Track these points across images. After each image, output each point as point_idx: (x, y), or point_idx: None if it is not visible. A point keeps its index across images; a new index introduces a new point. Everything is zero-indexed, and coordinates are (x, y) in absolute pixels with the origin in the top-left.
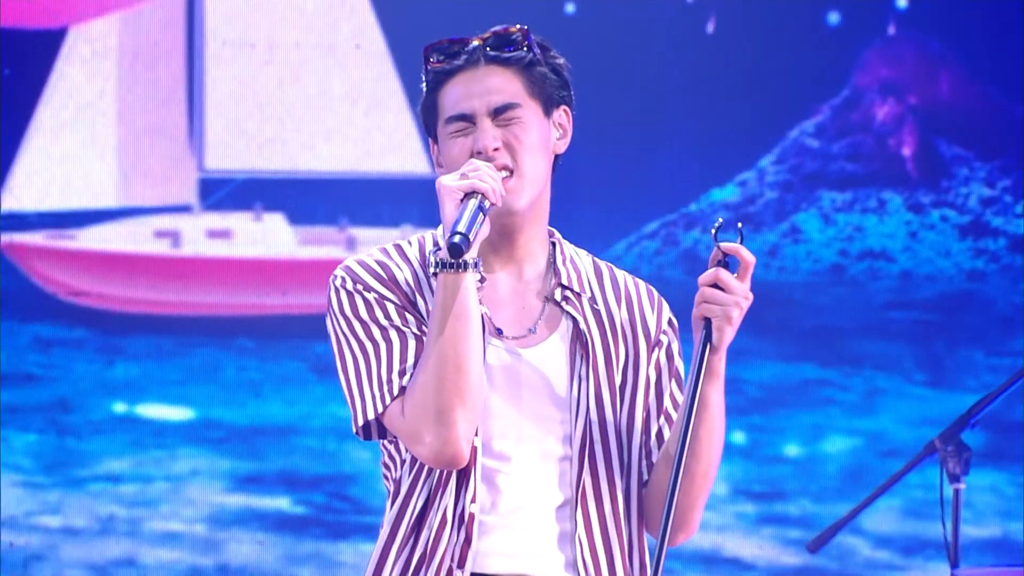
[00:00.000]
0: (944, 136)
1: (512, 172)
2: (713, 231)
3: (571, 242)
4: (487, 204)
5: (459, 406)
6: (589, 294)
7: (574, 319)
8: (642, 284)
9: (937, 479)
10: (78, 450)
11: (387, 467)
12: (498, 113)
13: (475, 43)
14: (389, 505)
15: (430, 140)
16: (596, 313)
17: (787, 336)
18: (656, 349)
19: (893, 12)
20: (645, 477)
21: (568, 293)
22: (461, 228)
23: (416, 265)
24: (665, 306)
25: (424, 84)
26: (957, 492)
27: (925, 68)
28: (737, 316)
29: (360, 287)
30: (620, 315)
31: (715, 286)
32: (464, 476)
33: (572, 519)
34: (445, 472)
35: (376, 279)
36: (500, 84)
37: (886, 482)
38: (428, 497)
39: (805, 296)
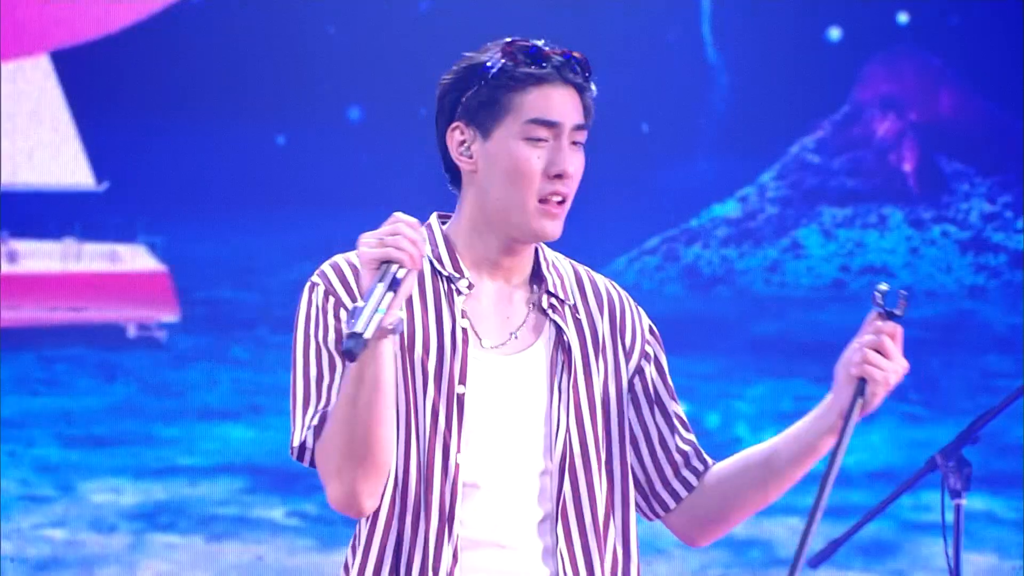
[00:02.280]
0: (945, 152)
1: (563, 200)
2: (878, 295)
3: (572, 258)
4: (401, 274)
5: (359, 468)
6: (572, 302)
7: (558, 327)
8: (621, 291)
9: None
10: None
11: None
12: (576, 131)
13: (557, 58)
14: (365, 522)
15: (459, 124)
16: (578, 323)
17: (784, 352)
18: (643, 361)
19: (894, 28)
20: (680, 494)
21: (554, 300)
22: (359, 327)
23: None
24: (644, 316)
25: (489, 70)
26: (958, 508)
27: (925, 84)
28: (895, 383)
29: (330, 303)
30: (602, 326)
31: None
32: (445, 493)
33: (553, 533)
34: (424, 490)
35: (346, 289)
36: (577, 106)
37: (887, 498)
38: (411, 518)
39: (806, 312)
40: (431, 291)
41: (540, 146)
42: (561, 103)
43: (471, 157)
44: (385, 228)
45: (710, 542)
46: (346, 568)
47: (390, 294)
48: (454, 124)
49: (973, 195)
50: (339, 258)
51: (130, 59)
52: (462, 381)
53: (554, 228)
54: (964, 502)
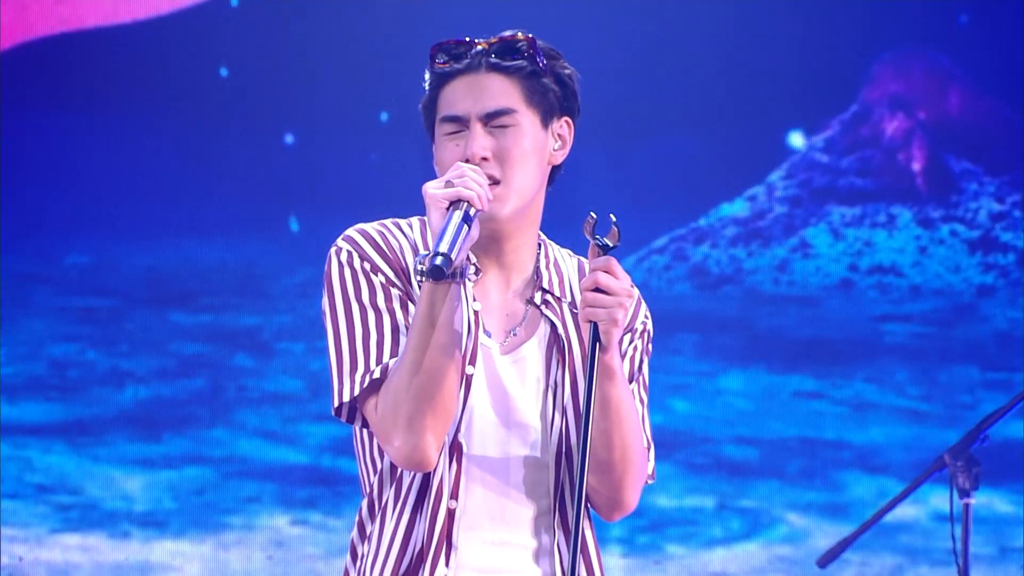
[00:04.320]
0: (953, 151)
1: (499, 182)
2: (588, 227)
3: (581, 256)
4: (472, 212)
5: (429, 414)
6: (569, 299)
7: (552, 324)
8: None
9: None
10: None
11: (362, 472)
12: (490, 118)
13: (480, 47)
14: (367, 508)
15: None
16: (575, 316)
17: (791, 350)
18: (621, 344)
19: (906, 28)
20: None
21: (548, 297)
22: (443, 248)
23: (415, 245)
24: (642, 309)
25: (427, 82)
26: (967, 507)
27: (934, 83)
28: (622, 317)
29: (366, 265)
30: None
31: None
32: (447, 479)
33: (551, 529)
34: (423, 477)
35: (379, 253)
36: (497, 90)
37: (895, 497)
38: (402, 500)
39: (814, 311)
40: (415, 262)
41: (458, 137)
42: (466, 95)
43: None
44: (452, 173)
45: (617, 510)
46: (355, 555)
47: (465, 226)
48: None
49: (982, 194)
50: (360, 226)
51: (129, 59)
52: (472, 362)
53: (492, 208)
54: (973, 501)
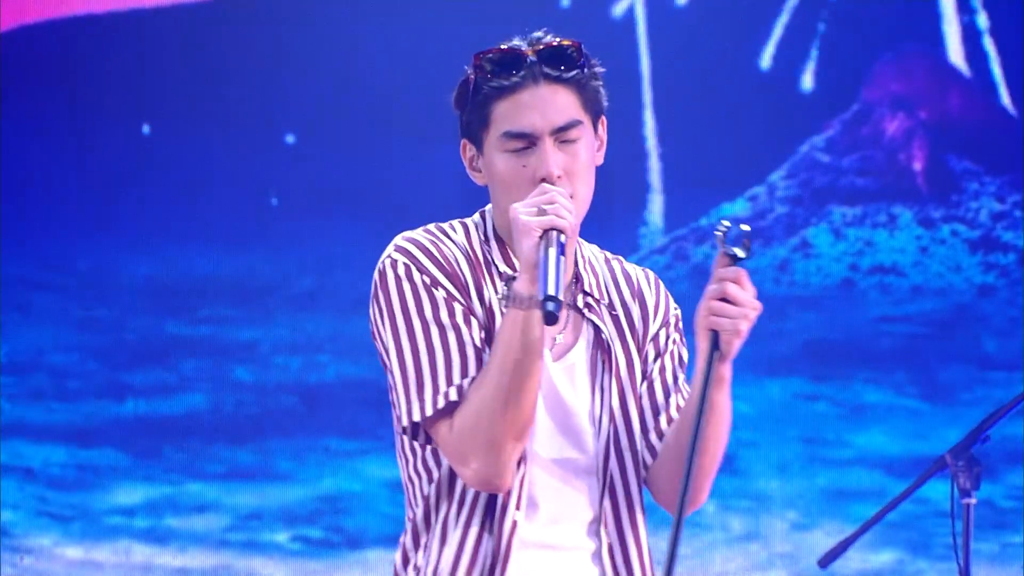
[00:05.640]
0: (954, 151)
1: (572, 197)
2: (719, 234)
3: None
4: (564, 239)
5: (512, 437)
6: (607, 300)
7: (596, 327)
8: (651, 277)
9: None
10: None
11: (413, 480)
12: (559, 133)
13: (530, 56)
14: (422, 518)
15: (464, 141)
16: (616, 319)
17: (792, 351)
18: (657, 343)
19: (903, 27)
20: (649, 460)
21: (590, 300)
22: (552, 290)
23: (466, 251)
24: (670, 299)
25: (470, 87)
26: (968, 507)
27: (935, 83)
28: (746, 328)
29: (426, 279)
30: (637, 315)
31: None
32: (514, 490)
33: (603, 531)
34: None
35: (434, 263)
36: (562, 103)
37: (896, 497)
38: (468, 511)
39: (815, 311)
40: (498, 278)
41: (523, 153)
42: (533, 109)
43: (479, 171)
44: (540, 197)
45: (691, 509)
46: (407, 562)
47: (562, 258)
48: (463, 142)
49: (983, 194)
50: (410, 235)
51: (127, 58)
52: None
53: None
54: (974, 501)
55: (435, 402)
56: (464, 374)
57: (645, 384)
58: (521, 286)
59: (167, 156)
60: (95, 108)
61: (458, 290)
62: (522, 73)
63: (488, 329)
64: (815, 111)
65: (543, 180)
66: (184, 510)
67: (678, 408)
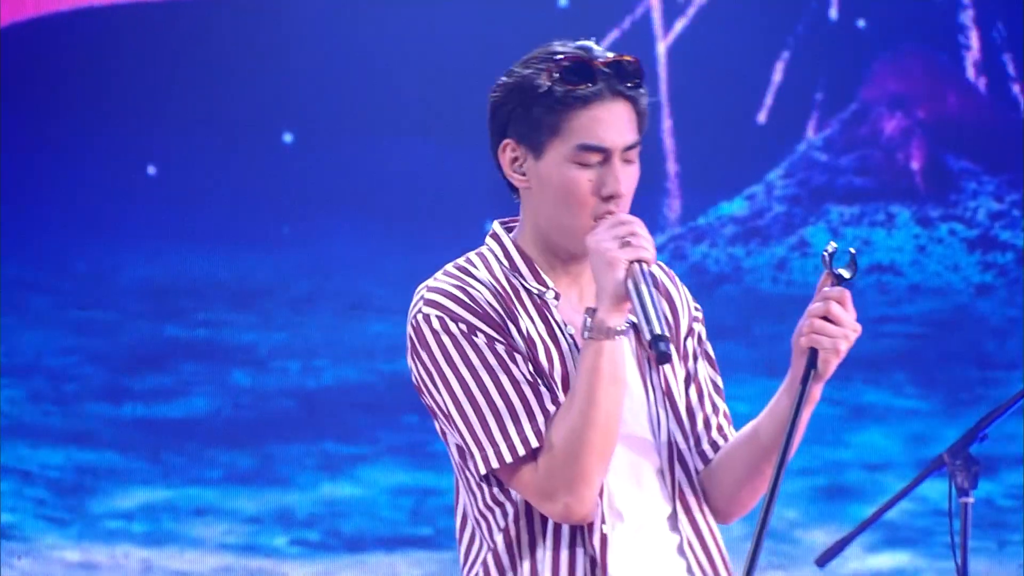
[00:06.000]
0: (952, 150)
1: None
2: (826, 254)
3: None
4: (648, 270)
5: (600, 470)
6: None
7: (634, 325)
8: (667, 269)
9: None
10: None
11: (486, 516)
12: (626, 151)
13: (603, 68)
14: (503, 547)
15: (511, 142)
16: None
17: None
18: (689, 336)
19: (902, 26)
20: (700, 465)
21: None
22: (659, 328)
23: (493, 287)
24: (689, 295)
25: (534, 90)
26: (966, 506)
27: (933, 82)
28: (845, 349)
29: (462, 327)
30: (665, 309)
31: (824, 317)
32: (598, 508)
33: (676, 529)
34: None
35: (466, 309)
36: (629, 121)
37: (894, 496)
38: (553, 536)
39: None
40: (529, 303)
41: (591, 168)
42: (610, 124)
43: (524, 175)
44: (620, 228)
45: (734, 519)
46: None
47: (655, 291)
48: (505, 141)
49: (980, 193)
50: (435, 285)
51: (125, 57)
52: None
53: None
54: (971, 500)
55: (512, 448)
56: (530, 415)
57: (694, 389)
58: (604, 316)
59: (164, 157)
60: (93, 108)
61: (495, 330)
62: (599, 86)
63: (533, 359)
64: (814, 110)
65: (610, 198)
66: (182, 514)
67: (726, 415)
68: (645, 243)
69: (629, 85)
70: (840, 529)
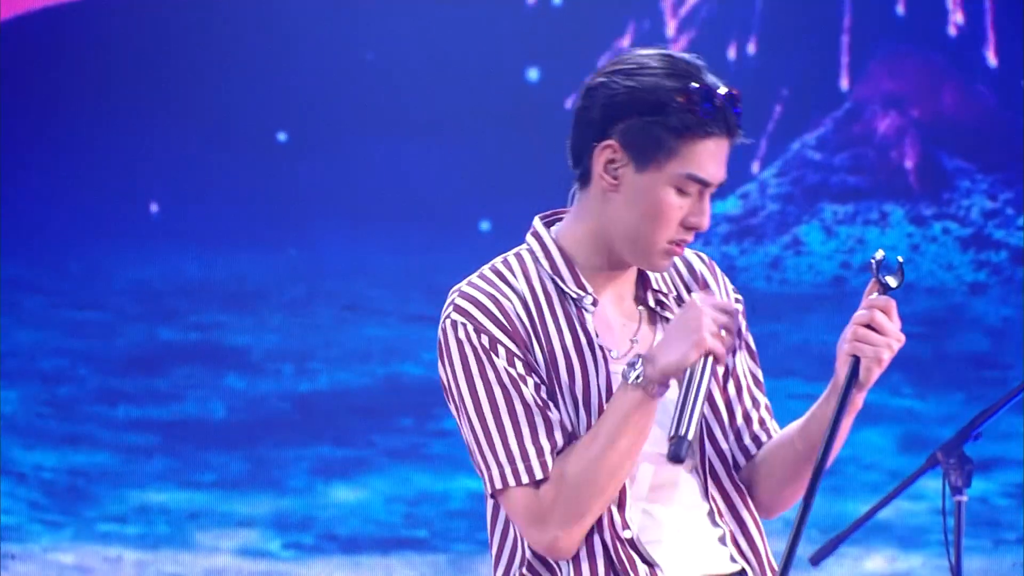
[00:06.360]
0: (946, 148)
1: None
2: (873, 262)
3: None
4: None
5: (600, 511)
6: (675, 292)
7: (669, 323)
8: (706, 259)
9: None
10: None
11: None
12: (717, 188)
13: (722, 102)
14: (535, 557)
15: (615, 144)
16: None
17: (783, 349)
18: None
19: (894, 24)
20: (742, 460)
21: (660, 296)
22: (684, 430)
23: (524, 297)
24: (728, 282)
25: (660, 102)
26: (959, 504)
27: (927, 81)
28: (888, 358)
29: (484, 340)
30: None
31: (867, 325)
32: (615, 512)
33: (714, 523)
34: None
35: (495, 323)
36: (726, 156)
37: (887, 495)
38: (585, 547)
39: (807, 309)
40: (561, 312)
41: (687, 196)
42: (719, 160)
43: (616, 179)
44: (725, 317)
45: (776, 515)
46: None
47: (704, 389)
48: (609, 142)
49: (974, 192)
50: (468, 291)
51: (121, 56)
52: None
53: (668, 265)
54: (965, 499)
55: (516, 474)
56: (537, 444)
57: (732, 383)
58: (654, 376)
59: (160, 157)
60: (87, 108)
61: (518, 345)
62: (719, 121)
63: (550, 370)
64: (806, 109)
65: (693, 228)
66: (176, 516)
67: (768, 408)
68: (728, 342)
69: (736, 119)
70: (835, 528)
